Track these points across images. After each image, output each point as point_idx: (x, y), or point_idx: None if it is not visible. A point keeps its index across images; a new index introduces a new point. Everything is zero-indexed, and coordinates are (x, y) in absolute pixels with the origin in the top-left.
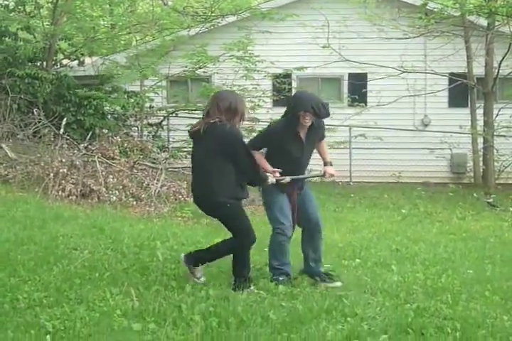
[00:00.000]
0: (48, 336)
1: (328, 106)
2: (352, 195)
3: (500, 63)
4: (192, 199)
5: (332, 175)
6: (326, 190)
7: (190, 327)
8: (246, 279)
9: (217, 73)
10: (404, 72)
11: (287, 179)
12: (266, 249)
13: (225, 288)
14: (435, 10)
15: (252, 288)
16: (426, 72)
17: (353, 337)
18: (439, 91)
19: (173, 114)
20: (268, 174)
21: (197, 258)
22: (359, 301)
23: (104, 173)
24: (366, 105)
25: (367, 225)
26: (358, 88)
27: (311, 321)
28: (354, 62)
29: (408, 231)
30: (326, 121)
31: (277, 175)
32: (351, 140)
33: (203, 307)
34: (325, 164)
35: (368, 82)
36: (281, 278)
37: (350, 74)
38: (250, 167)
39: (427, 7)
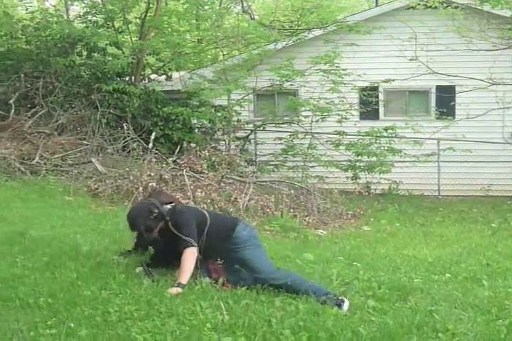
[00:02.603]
0: None
1: (131, 220)
2: (441, 209)
3: None
4: None
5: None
6: (415, 204)
7: None
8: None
9: (303, 86)
10: (493, 84)
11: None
12: (355, 263)
13: (314, 302)
14: None
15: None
16: None
17: None
18: None
19: (260, 128)
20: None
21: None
22: (450, 316)
23: (192, 187)
24: (454, 118)
25: (456, 239)
26: (446, 101)
27: (401, 337)
28: (442, 74)
29: (499, 246)
30: (414, 134)
31: None
32: (440, 153)
33: (292, 322)
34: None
35: (457, 95)
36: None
37: (437, 87)
38: None
39: None
